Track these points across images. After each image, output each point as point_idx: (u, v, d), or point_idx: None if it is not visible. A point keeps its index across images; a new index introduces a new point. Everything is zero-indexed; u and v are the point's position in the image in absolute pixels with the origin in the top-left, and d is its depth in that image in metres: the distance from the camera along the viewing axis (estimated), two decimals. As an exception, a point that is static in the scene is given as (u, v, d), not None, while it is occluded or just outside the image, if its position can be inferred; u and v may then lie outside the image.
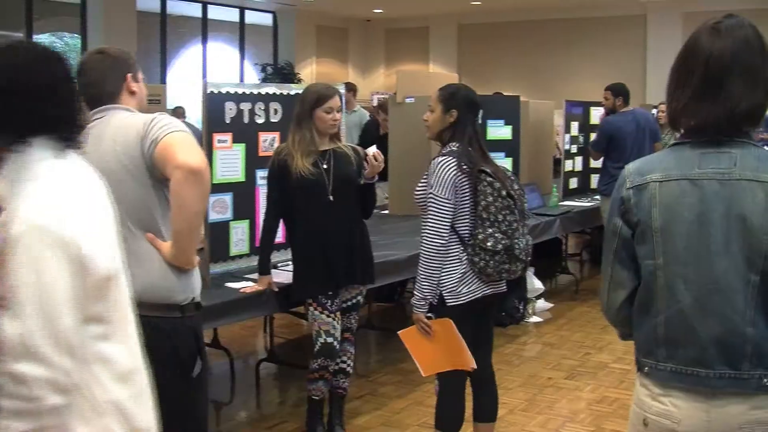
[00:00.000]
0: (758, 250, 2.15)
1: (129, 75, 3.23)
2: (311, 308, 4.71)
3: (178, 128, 2.97)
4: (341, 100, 4.74)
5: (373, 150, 4.61)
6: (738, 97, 2.20)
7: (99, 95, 3.19)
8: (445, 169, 4.01)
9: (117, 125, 3.08)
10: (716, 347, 2.20)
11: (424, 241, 4.03)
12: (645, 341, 2.35)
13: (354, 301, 4.89)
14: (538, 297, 7.99)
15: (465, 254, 4.06)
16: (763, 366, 2.16)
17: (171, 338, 3.02)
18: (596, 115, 9.82)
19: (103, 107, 3.18)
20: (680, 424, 2.25)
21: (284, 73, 17.93)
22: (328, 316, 4.68)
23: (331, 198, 4.64)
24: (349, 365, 4.94)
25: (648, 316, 2.32)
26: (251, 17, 18.99)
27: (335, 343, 4.71)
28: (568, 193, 9.25)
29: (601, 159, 8.57)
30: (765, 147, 2.32)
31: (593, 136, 9.72)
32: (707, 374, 2.21)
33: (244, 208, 5.16)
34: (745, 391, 2.18)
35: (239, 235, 5.19)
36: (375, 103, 16.04)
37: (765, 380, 2.16)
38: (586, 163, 9.74)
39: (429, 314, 4.09)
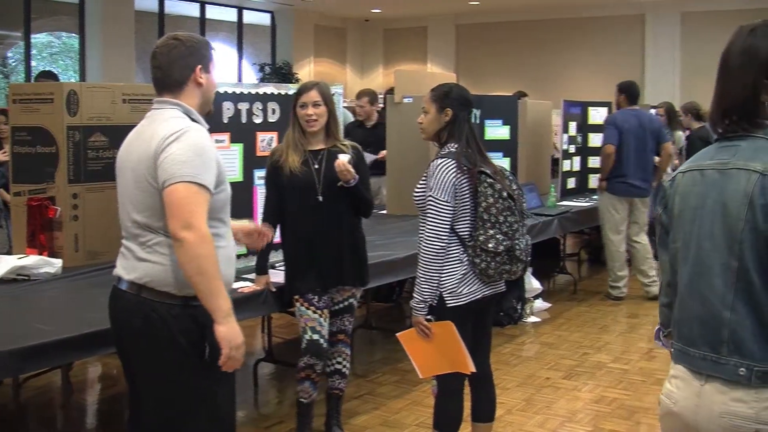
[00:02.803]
0: (735, 235, 2.22)
1: (199, 66, 3.25)
2: (297, 304, 4.70)
3: (181, 176, 3.00)
4: (322, 95, 4.62)
5: (341, 158, 4.50)
6: (720, 94, 2.34)
7: (165, 80, 3.25)
8: (444, 171, 4.00)
9: (155, 128, 3.14)
10: (699, 328, 2.30)
11: (424, 244, 4.02)
12: (672, 322, 2.48)
13: (346, 303, 4.84)
14: (536, 297, 8.00)
15: (465, 255, 4.05)
16: (739, 353, 2.20)
17: (167, 321, 3.11)
18: (594, 115, 9.82)
19: (162, 99, 3.25)
20: (676, 404, 2.36)
21: (282, 73, 17.94)
22: (314, 312, 4.66)
23: (320, 198, 4.60)
24: (345, 366, 4.92)
25: (676, 297, 2.44)
26: (249, 17, 19.00)
27: (322, 341, 4.68)
28: (566, 193, 9.27)
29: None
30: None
31: (591, 136, 9.75)
32: (694, 354, 2.31)
33: (242, 208, 5.14)
34: (725, 377, 2.22)
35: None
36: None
37: (741, 370, 2.19)
38: (584, 162, 9.74)
39: (429, 316, 4.08)
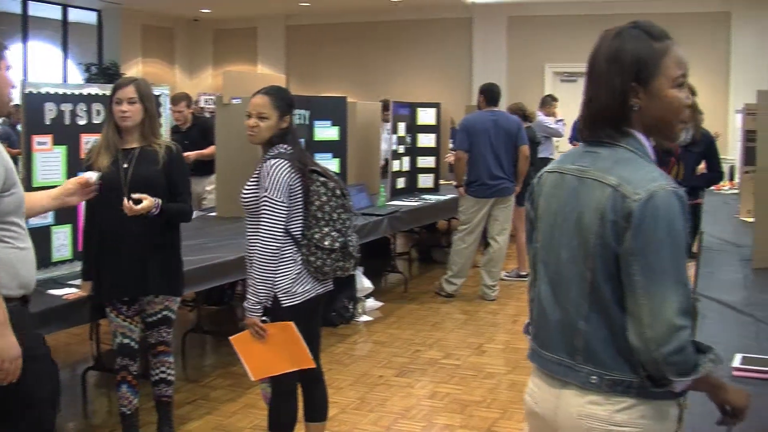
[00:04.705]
0: (588, 247, 2.23)
1: None
2: (107, 310, 4.61)
3: None
4: (139, 92, 4.43)
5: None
6: (587, 100, 2.32)
7: None
8: (279, 171, 4.01)
9: None
10: (559, 334, 2.33)
11: (259, 245, 4.01)
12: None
13: (160, 316, 4.67)
14: (367, 296, 8.06)
15: (299, 254, 4.08)
16: (592, 362, 2.25)
17: None
18: (423, 115, 9.98)
19: None
20: (538, 405, 2.42)
21: (109, 74, 17.50)
22: (124, 320, 4.59)
23: (124, 200, 4.32)
24: (169, 374, 4.81)
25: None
26: (75, 15, 18.45)
27: (132, 343, 4.63)
28: (396, 193, 9.36)
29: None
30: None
31: (420, 136, 9.91)
32: (549, 358, 2.36)
33: (65, 212, 4.98)
34: (578, 383, 2.27)
35: (61, 241, 5.04)
36: (202, 104, 15.88)
37: (592, 378, 2.24)
38: (413, 163, 9.87)
39: (264, 317, 4.08)
